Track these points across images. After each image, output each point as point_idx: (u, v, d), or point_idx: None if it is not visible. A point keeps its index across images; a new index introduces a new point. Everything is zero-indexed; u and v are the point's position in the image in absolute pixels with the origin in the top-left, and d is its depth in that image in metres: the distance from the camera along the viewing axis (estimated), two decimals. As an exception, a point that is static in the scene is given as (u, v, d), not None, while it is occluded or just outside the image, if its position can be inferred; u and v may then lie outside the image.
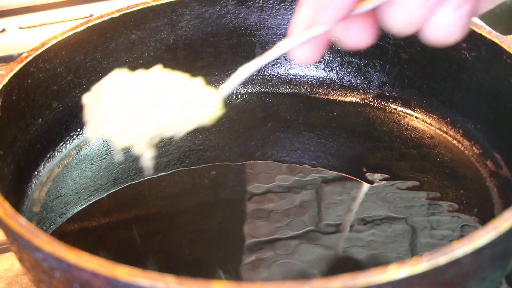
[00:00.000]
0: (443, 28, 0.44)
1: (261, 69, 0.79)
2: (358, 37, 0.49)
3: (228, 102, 0.78)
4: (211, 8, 0.77)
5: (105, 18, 0.72)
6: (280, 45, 0.53)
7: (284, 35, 0.79)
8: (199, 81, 0.54)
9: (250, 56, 0.79)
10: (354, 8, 0.47)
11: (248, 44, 0.79)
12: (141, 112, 0.51)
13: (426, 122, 0.73)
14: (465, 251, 0.45)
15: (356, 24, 0.49)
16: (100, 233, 0.62)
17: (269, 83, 0.79)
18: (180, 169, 0.68)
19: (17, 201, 0.62)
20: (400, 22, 0.45)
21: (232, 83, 0.55)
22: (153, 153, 0.51)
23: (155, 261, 0.59)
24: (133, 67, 0.75)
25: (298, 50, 0.51)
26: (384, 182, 0.65)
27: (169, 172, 0.67)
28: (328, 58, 0.79)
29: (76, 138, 0.72)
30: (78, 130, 0.72)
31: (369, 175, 0.66)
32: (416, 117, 0.74)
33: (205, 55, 0.79)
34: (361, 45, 0.49)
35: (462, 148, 0.70)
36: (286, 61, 0.79)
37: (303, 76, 0.79)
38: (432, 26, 0.45)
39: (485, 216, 0.61)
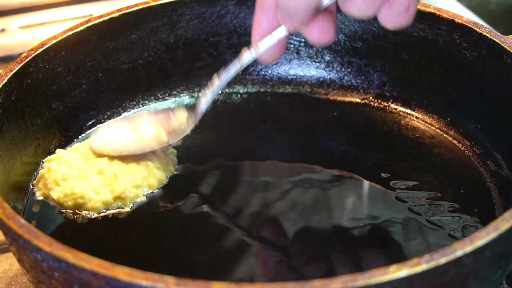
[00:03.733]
0: (391, 19, 0.52)
1: (261, 69, 0.79)
2: (320, 34, 0.55)
3: (228, 102, 0.78)
4: (211, 8, 0.77)
5: (105, 18, 0.72)
6: (248, 53, 0.60)
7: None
8: None
9: (250, 56, 0.79)
10: (315, 12, 0.54)
11: (248, 44, 0.78)
12: None
13: (426, 122, 0.73)
14: (466, 251, 0.45)
15: (316, 23, 0.55)
16: (100, 233, 0.61)
17: (269, 83, 0.79)
18: (180, 168, 0.68)
19: (17, 202, 0.62)
20: (355, 14, 0.52)
21: (208, 98, 0.64)
22: None
23: (156, 261, 0.59)
24: (133, 67, 0.76)
25: (265, 53, 0.59)
26: (384, 182, 0.65)
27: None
28: (328, 58, 0.79)
29: (75, 139, 0.71)
30: (78, 130, 0.72)
31: (369, 175, 0.66)
32: (416, 117, 0.74)
33: (205, 55, 0.79)
34: (323, 42, 0.56)
35: (463, 148, 0.70)
36: (286, 61, 0.79)
37: (303, 76, 0.79)
38: (382, 17, 0.52)
39: (486, 216, 0.61)
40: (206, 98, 0.65)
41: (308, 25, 0.55)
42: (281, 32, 0.57)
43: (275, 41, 0.58)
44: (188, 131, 0.66)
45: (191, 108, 0.66)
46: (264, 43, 0.58)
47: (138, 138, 0.66)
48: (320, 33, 0.55)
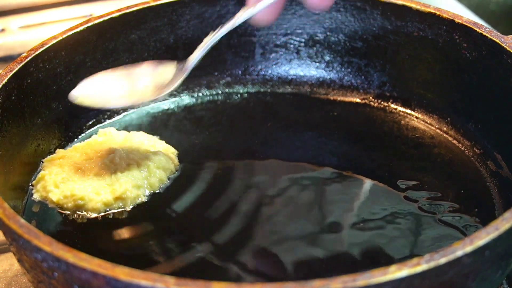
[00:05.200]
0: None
1: (261, 69, 0.79)
2: None
3: (228, 102, 0.78)
4: (211, 8, 0.77)
5: (105, 18, 0.72)
6: (243, 12, 0.58)
7: (284, 35, 0.79)
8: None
9: (250, 56, 0.79)
10: None
11: (248, 44, 0.79)
12: None
13: (426, 122, 0.73)
14: (466, 251, 0.45)
15: None
16: (100, 233, 0.61)
17: (269, 83, 0.79)
18: (181, 168, 0.68)
19: (17, 202, 0.62)
20: None
21: (198, 53, 0.62)
22: None
23: (156, 261, 0.59)
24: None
25: (261, 13, 0.58)
26: (384, 181, 0.65)
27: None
28: (328, 58, 0.79)
29: (75, 139, 0.72)
30: (78, 130, 0.72)
31: (369, 175, 0.66)
32: (416, 117, 0.74)
33: (205, 55, 0.78)
34: (323, 6, 0.57)
35: (463, 148, 0.70)
36: (286, 61, 0.79)
37: (303, 76, 0.79)
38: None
39: (486, 216, 0.61)
40: (196, 54, 0.62)
41: None
42: None
43: (272, 1, 0.56)
44: (174, 87, 0.62)
45: (179, 63, 0.65)
46: (262, 2, 0.56)
47: (122, 91, 0.64)
48: None
